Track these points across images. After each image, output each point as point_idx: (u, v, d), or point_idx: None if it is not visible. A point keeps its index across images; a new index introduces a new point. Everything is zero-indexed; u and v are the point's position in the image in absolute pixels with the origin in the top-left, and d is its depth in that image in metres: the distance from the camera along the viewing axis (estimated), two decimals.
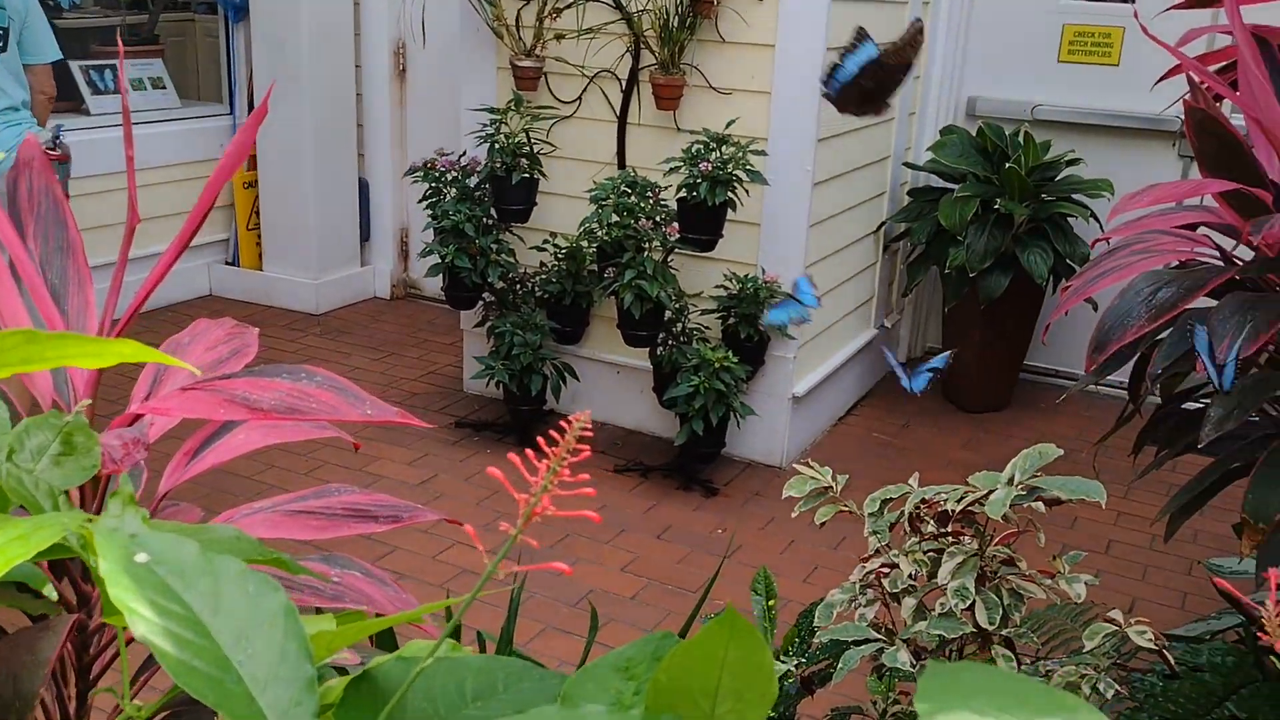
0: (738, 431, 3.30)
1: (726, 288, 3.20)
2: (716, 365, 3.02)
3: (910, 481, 1.45)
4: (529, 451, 0.53)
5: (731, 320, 3.20)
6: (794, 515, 1.47)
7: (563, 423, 0.55)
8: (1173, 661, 1.34)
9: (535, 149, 3.30)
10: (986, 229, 3.54)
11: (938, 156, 3.72)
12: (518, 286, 3.42)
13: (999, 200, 3.54)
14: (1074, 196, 3.60)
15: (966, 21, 4.04)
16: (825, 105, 3.22)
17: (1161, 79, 1.86)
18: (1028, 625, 1.97)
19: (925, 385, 2.03)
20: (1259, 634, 1.66)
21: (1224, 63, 1.80)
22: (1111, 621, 1.33)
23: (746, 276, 3.19)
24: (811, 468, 1.50)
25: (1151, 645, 1.28)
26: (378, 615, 1.04)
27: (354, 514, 1.08)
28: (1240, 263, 1.55)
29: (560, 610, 2.57)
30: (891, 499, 1.44)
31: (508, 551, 0.53)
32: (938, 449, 3.58)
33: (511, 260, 3.38)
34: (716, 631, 0.50)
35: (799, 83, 3.06)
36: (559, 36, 3.27)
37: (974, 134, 3.76)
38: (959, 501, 1.34)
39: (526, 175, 3.24)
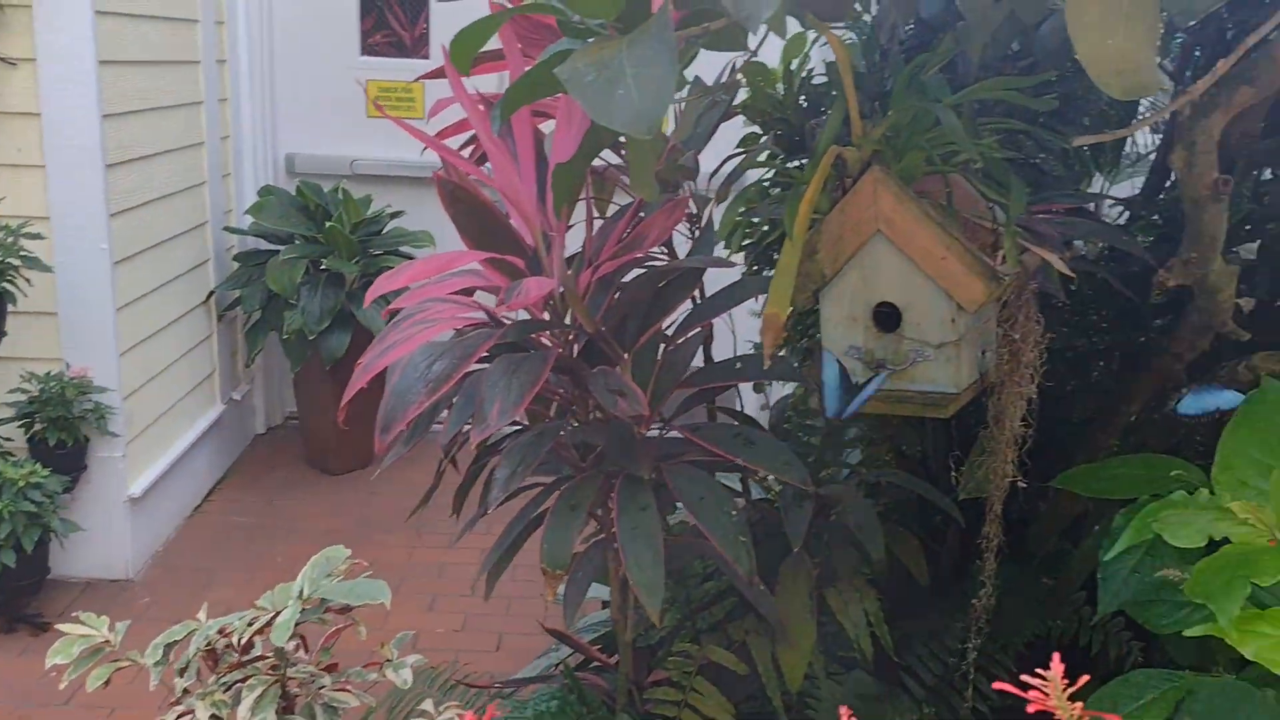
0: (64, 551, 2.87)
1: (25, 390, 2.77)
2: (22, 483, 2.59)
3: (199, 614, 1.29)
4: None
5: (38, 426, 2.77)
6: (62, 686, 1.24)
7: None
8: None
9: None
10: (319, 289, 3.48)
11: (258, 219, 3.58)
12: None
13: (327, 259, 3.49)
14: (400, 249, 3.68)
15: (270, 80, 3.95)
16: (115, 175, 2.95)
17: (423, 151, 1.90)
18: (389, 702, 1.92)
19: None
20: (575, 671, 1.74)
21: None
22: (424, 714, 1.30)
23: (49, 374, 2.78)
24: (82, 622, 1.29)
25: None
26: None
27: None
28: (509, 323, 1.62)
29: None
30: (177, 641, 1.27)
31: None
32: (305, 521, 3.44)
33: None
34: None
35: (77, 153, 2.74)
36: None
37: (294, 193, 3.68)
38: (249, 627, 1.22)
39: None
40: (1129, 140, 2.42)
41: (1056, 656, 0.57)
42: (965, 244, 1.15)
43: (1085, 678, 0.58)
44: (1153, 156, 2.14)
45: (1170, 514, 0.77)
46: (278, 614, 1.18)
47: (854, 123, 1.16)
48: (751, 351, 1.85)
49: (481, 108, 1.67)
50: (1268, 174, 1.84)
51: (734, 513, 1.48)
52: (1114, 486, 1.15)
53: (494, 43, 1.56)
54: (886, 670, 1.87)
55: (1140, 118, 1.49)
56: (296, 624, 1.17)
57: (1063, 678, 0.56)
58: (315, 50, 3.98)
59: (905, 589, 1.91)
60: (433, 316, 1.62)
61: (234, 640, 1.20)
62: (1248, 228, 1.74)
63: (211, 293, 3.62)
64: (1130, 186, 2.39)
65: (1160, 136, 2.05)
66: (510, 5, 1.29)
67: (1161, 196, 1.88)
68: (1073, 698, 1.30)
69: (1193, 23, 1.50)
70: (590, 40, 1.01)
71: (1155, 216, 1.84)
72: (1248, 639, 0.67)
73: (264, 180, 3.90)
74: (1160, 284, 1.36)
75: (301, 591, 1.21)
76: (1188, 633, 0.74)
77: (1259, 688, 0.74)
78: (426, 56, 4.06)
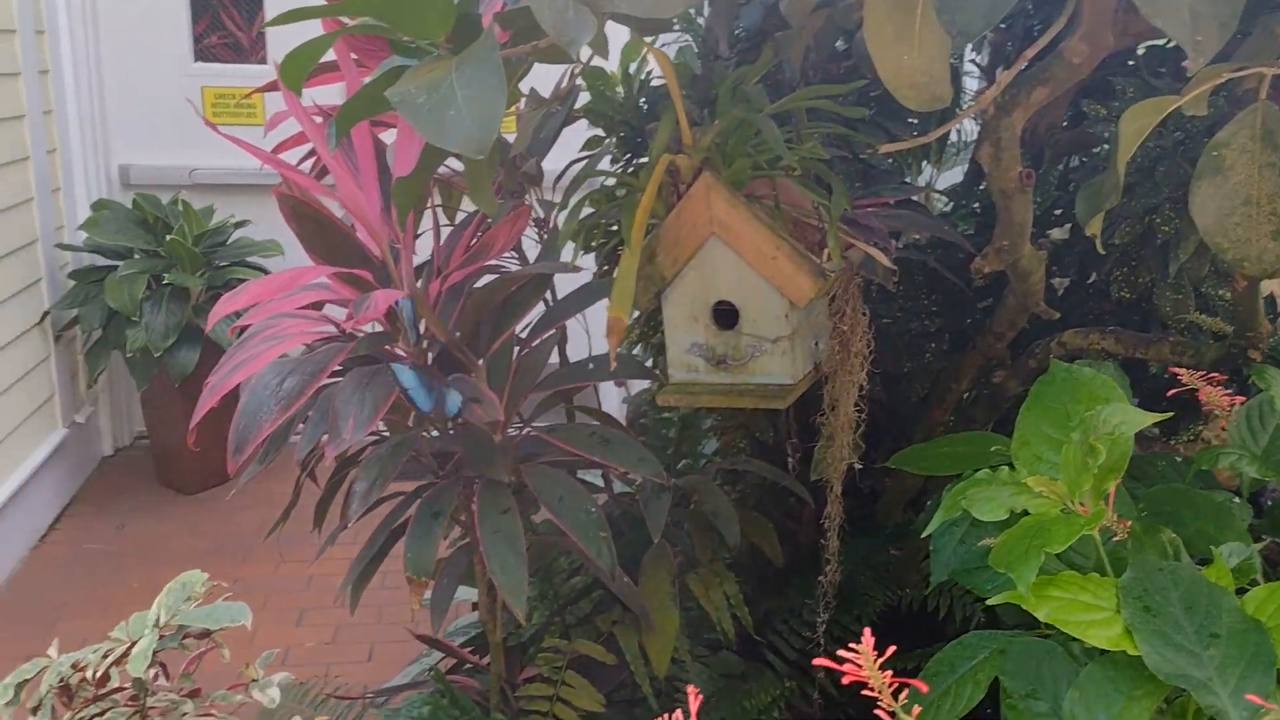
0: None
1: None
2: None
3: (50, 650, 1.27)
4: None
5: None
6: None
7: None
8: None
9: None
10: (163, 305, 3.36)
11: (93, 235, 3.44)
12: None
13: (169, 274, 3.39)
14: (249, 260, 3.59)
15: (99, 89, 3.80)
16: None
17: (263, 166, 1.86)
18: None
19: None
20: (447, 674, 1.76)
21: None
22: None
23: None
24: None
25: None
26: None
27: None
28: (362, 335, 1.62)
29: None
30: (28, 679, 1.24)
31: None
32: (160, 545, 3.34)
33: None
34: None
35: None
36: None
37: (131, 206, 3.55)
38: (104, 659, 1.20)
39: None
40: (956, 129, 2.55)
41: (868, 631, 0.63)
42: (793, 244, 1.21)
43: (892, 649, 0.64)
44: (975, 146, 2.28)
45: (976, 490, 0.84)
46: (134, 644, 1.17)
47: (684, 132, 1.21)
48: (604, 351, 1.90)
49: (320, 120, 1.67)
50: (1075, 162, 1.98)
51: (593, 510, 1.52)
52: (942, 464, 1.23)
53: (332, 53, 1.56)
54: (750, 649, 1.94)
55: (957, 114, 1.59)
56: (155, 652, 1.16)
57: (874, 648, 0.62)
58: (145, 57, 3.84)
59: (766, 570, 1.99)
60: (281, 333, 1.61)
61: (89, 674, 1.18)
62: (1057, 212, 1.87)
63: (46, 313, 3.47)
64: (959, 173, 2.53)
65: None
66: (349, 22, 1.29)
67: (981, 186, 2.00)
68: (918, 660, 1.39)
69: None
70: (421, 60, 1.03)
71: (975, 205, 1.95)
72: (1042, 603, 0.74)
73: (97, 194, 3.75)
74: (977, 270, 1.46)
75: (158, 619, 1.20)
76: (990, 601, 0.81)
77: (1061, 643, 0.82)
78: (264, 60, 3.96)
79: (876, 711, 0.62)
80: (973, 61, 2.19)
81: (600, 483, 2.04)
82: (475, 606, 2.20)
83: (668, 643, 1.73)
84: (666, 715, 0.68)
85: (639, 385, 2.46)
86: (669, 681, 1.85)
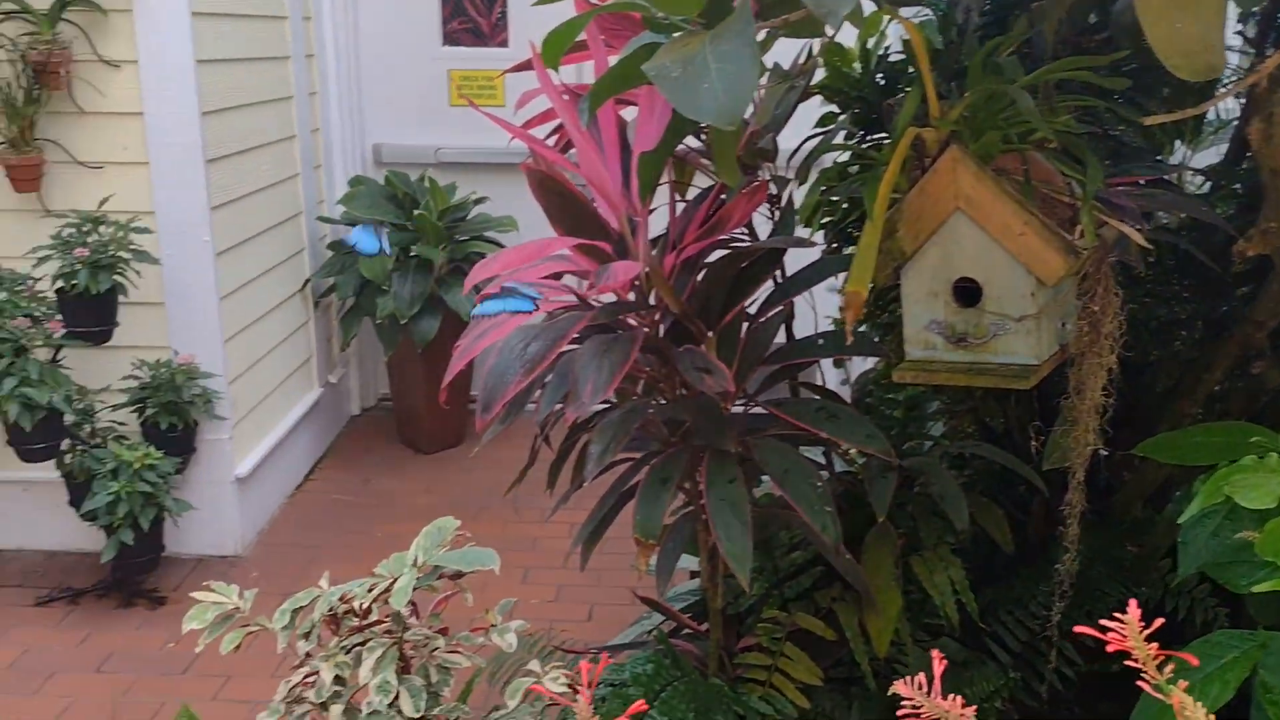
0: (177, 529, 3.03)
1: (137, 377, 2.93)
2: (137, 465, 2.74)
3: (321, 582, 1.39)
4: None
5: (150, 411, 2.93)
6: (198, 650, 1.35)
7: None
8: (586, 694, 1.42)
9: None
10: (410, 275, 3.59)
11: (350, 208, 3.70)
12: None
13: (416, 246, 3.61)
14: (486, 235, 3.78)
15: (357, 72, 4.07)
16: (214, 170, 3.09)
17: (510, 142, 1.96)
18: (491, 666, 2.02)
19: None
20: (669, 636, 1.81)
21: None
22: (530, 673, 1.38)
23: (159, 362, 2.94)
24: (213, 590, 1.40)
25: (565, 688, 1.35)
26: None
27: None
28: (598, 305, 1.68)
29: None
30: (302, 607, 1.37)
31: None
32: (401, 499, 3.57)
33: None
34: None
35: (179, 150, 2.88)
36: None
37: (383, 182, 3.80)
38: (369, 593, 1.31)
39: None
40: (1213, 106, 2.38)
41: (1133, 602, 0.62)
42: (1043, 220, 1.18)
43: (1159, 621, 0.62)
44: (1235, 124, 2.12)
45: (1241, 477, 0.80)
46: (395, 580, 1.27)
47: (931, 104, 1.20)
48: (832, 328, 1.90)
49: (566, 98, 1.73)
50: None
51: (819, 484, 1.54)
52: (1195, 454, 1.17)
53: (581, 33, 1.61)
54: (972, 637, 1.90)
55: (1220, 90, 1.50)
56: (412, 590, 1.26)
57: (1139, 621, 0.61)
58: (399, 42, 4.09)
59: (989, 558, 1.94)
60: None
61: (355, 606, 1.29)
62: None
63: (307, 281, 3.77)
64: (1215, 153, 2.37)
65: (1244, 103, 2.03)
66: (596, 3, 1.35)
67: (1243, 166, 1.87)
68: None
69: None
70: (675, 35, 1.07)
71: (1236, 185, 1.83)
72: None
73: (353, 170, 4.03)
74: (1240, 253, 1.37)
75: (416, 559, 1.30)
76: (1256, 588, 0.77)
77: None
78: (505, 44, 4.13)
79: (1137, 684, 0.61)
80: (1238, 34, 2.04)
81: (822, 460, 2.04)
82: (694, 575, 2.26)
83: (889, 623, 1.73)
84: (908, 679, 0.69)
85: (860, 367, 2.44)
86: (887, 663, 1.84)
